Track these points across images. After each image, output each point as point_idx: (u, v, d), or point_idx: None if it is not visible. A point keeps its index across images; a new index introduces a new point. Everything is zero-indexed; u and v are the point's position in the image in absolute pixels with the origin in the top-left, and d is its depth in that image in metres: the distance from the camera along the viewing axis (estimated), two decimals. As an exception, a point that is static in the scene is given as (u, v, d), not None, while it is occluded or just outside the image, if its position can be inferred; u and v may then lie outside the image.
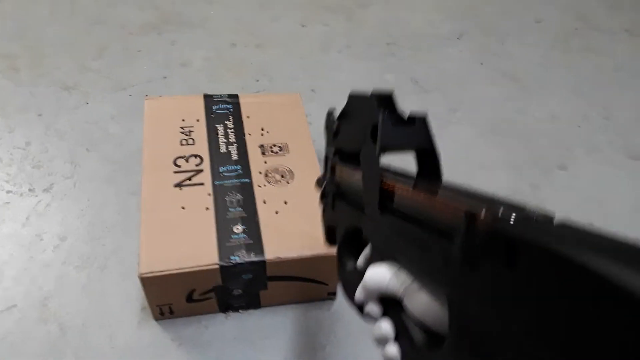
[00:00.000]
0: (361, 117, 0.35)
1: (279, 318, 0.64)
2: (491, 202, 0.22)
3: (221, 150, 0.67)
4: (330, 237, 0.45)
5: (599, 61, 1.14)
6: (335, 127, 0.40)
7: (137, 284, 0.59)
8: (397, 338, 0.30)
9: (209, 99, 0.74)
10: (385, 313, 0.32)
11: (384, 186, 0.31)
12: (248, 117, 0.73)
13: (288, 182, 0.65)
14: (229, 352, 0.60)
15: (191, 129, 0.70)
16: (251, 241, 0.58)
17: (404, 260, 0.30)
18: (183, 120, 0.71)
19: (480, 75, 1.07)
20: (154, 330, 0.61)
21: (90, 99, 0.90)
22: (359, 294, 0.34)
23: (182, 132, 0.69)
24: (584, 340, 0.15)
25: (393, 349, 0.31)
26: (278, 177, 0.65)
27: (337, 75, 1.02)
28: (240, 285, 0.59)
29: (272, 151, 0.68)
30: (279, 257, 0.57)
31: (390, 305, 0.31)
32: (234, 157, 0.67)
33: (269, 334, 0.63)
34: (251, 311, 0.65)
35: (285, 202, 0.62)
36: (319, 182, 0.48)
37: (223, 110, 0.73)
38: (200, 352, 0.60)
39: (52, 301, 0.63)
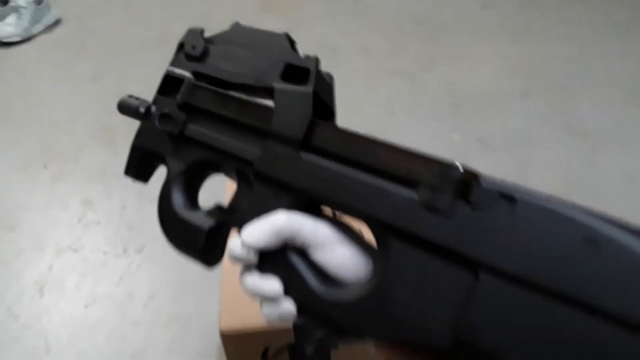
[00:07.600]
0: (262, 52, 0.35)
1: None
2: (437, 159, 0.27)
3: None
4: (139, 167, 0.38)
5: (679, 116, 1.10)
6: (202, 49, 0.37)
7: (216, 342, 0.63)
8: (288, 290, 0.29)
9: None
10: (262, 264, 0.30)
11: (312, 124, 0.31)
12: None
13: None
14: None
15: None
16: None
17: (334, 204, 0.29)
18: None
19: (549, 132, 1.06)
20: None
21: (176, 166, 0.98)
22: (258, 236, 0.28)
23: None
24: None
25: (288, 305, 0.28)
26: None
27: (402, 137, 1.01)
28: (312, 343, 0.61)
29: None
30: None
31: (268, 255, 0.29)
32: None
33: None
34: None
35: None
36: (124, 104, 0.40)
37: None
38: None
39: (140, 359, 0.68)
